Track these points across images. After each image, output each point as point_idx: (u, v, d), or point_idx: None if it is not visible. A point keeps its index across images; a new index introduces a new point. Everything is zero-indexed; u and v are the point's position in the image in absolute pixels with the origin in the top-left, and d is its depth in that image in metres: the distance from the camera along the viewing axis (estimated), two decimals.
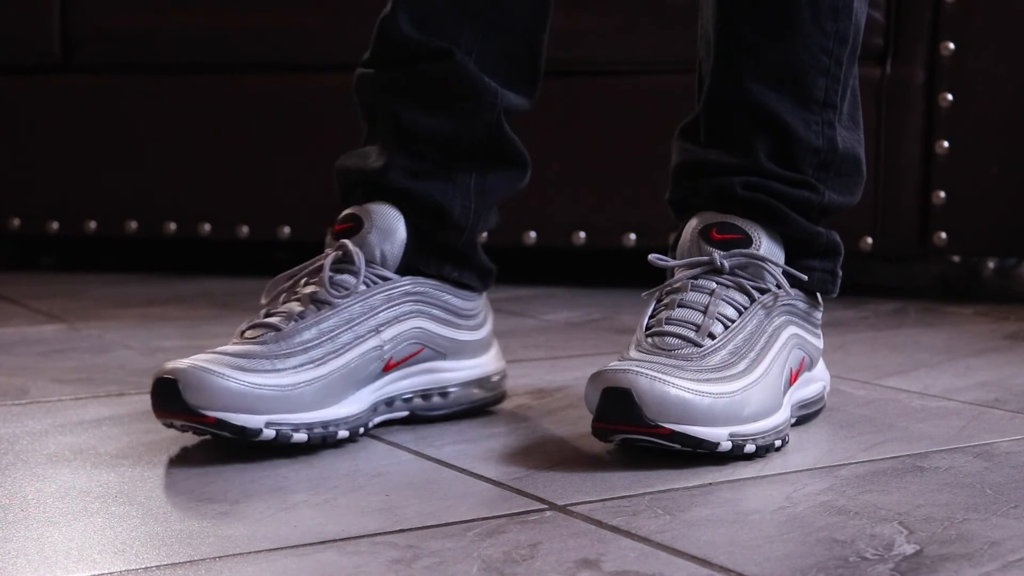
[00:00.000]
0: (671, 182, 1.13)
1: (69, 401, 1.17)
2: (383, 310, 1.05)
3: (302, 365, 0.99)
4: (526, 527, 0.82)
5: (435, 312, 1.10)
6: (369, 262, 1.06)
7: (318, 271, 1.05)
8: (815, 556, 0.76)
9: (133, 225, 2.06)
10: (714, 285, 1.03)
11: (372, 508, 0.86)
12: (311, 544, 0.79)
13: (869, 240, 1.84)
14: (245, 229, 2.02)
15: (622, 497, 0.88)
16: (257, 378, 0.96)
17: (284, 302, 1.04)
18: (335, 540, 0.79)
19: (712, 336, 0.99)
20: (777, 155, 1.08)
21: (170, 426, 0.98)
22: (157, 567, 0.75)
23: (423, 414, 1.09)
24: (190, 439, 1.03)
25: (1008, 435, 1.06)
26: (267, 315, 1.03)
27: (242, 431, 0.95)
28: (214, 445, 1.02)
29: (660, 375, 0.92)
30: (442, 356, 1.11)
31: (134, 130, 2.09)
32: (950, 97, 1.80)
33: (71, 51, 2.09)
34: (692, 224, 1.08)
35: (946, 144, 1.80)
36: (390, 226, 1.08)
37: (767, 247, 1.06)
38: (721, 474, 0.94)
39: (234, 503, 0.87)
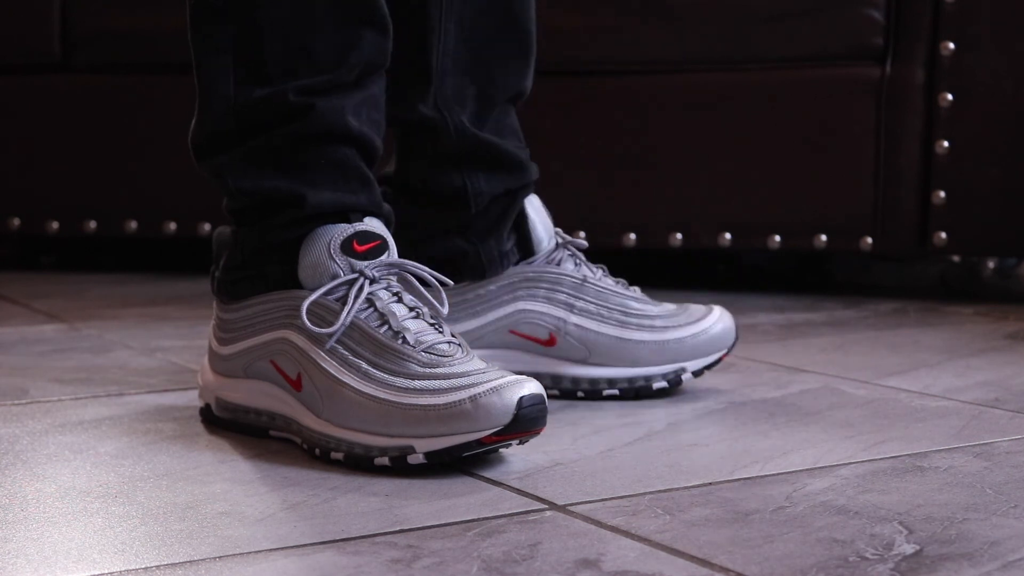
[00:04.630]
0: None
1: (69, 401, 1.17)
2: None
3: None
4: (526, 527, 0.82)
5: None
6: None
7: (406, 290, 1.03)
8: (815, 556, 0.76)
9: (133, 225, 2.06)
10: None
11: (372, 508, 0.86)
12: (311, 544, 0.79)
13: (869, 240, 1.84)
14: None
15: (622, 497, 0.88)
16: None
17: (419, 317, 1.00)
18: (335, 540, 0.79)
19: None
20: None
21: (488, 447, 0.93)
22: (157, 567, 0.75)
23: None
24: (189, 439, 1.03)
25: (1008, 435, 1.06)
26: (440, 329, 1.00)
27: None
28: (213, 445, 1.02)
29: None
30: None
31: (134, 130, 2.09)
32: (950, 97, 1.80)
33: (71, 51, 2.09)
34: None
35: (946, 144, 1.80)
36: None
37: None
38: (721, 474, 0.94)
39: (234, 503, 0.87)
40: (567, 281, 1.20)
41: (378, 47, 1.04)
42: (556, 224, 1.26)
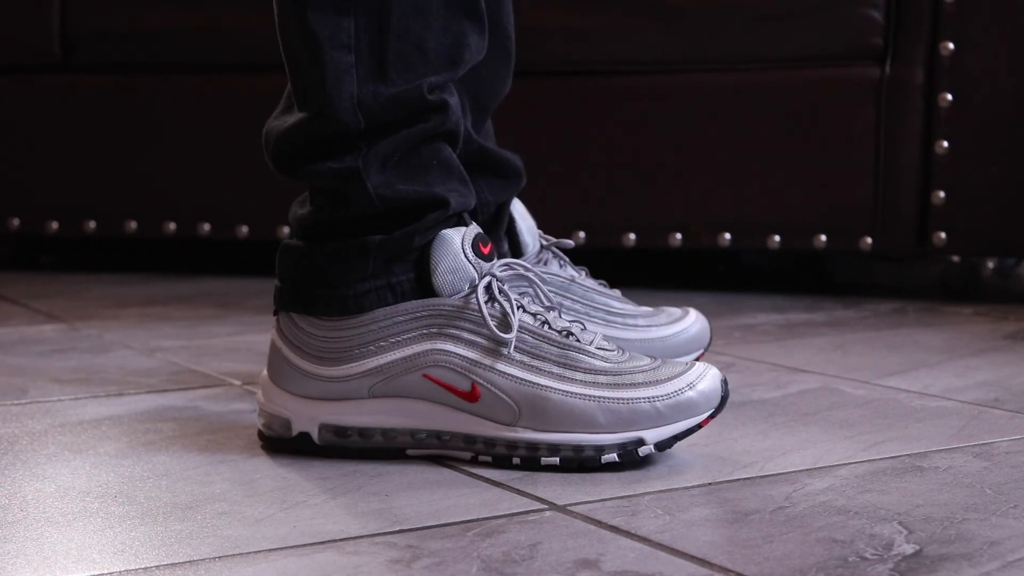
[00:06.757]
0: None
1: (69, 401, 1.17)
2: None
3: None
4: (526, 527, 0.82)
5: None
6: None
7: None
8: (815, 556, 0.76)
9: (133, 225, 2.06)
10: None
11: (372, 508, 0.86)
12: (311, 544, 0.79)
13: (869, 240, 1.84)
14: (245, 229, 2.02)
15: (622, 497, 0.88)
16: None
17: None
18: (335, 540, 0.79)
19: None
20: None
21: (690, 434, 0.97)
22: (157, 567, 0.75)
23: None
24: (189, 439, 1.03)
25: (1008, 435, 1.06)
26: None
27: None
28: (213, 445, 1.02)
29: None
30: None
31: (134, 130, 2.09)
32: (950, 97, 1.80)
33: (71, 51, 2.09)
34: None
35: (946, 144, 1.80)
36: None
37: None
38: (721, 474, 0.94)
39: (234, 503, 0.87)
40: (554, 281, 1.21)
41: (480, 46, 1.01)
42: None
